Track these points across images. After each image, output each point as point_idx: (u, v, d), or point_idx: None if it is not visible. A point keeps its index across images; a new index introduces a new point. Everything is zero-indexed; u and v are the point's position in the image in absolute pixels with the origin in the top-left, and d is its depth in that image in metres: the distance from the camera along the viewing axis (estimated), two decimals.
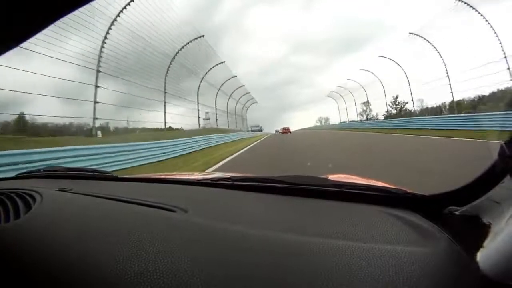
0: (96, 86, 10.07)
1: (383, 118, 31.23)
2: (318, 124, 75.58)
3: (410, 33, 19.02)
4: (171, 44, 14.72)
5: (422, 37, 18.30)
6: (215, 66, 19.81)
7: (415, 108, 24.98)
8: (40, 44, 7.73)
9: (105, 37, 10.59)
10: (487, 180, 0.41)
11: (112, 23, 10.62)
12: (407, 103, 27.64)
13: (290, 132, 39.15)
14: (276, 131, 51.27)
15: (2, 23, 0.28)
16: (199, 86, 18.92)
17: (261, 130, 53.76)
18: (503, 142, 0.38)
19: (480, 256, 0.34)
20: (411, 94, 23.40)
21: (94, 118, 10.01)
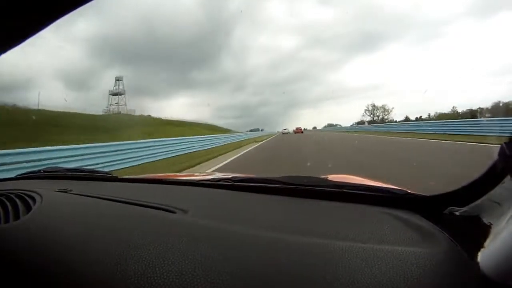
0: None
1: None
2: (365, 119, 44.09)
3: None
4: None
5: None
6: None
7: None
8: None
9: None
10: (488, 181, 0.41)
11: None
12: None
13: (302, 132, 38.79)
14: (284, 132, 40.10)
15: (2, 23, 0.28)
16: None
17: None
18: (503, 142, 0.38)
19: (481, 256, 0.34)
20: None
21: None
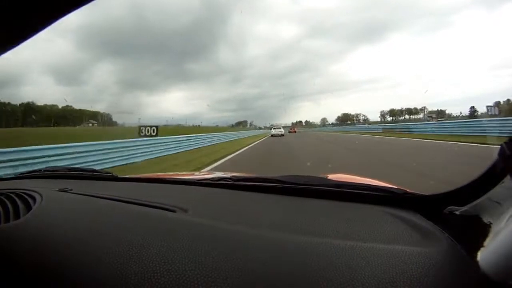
0: None
1: None
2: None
3: None
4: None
5: None
6: None
7: None
8: None
9: None
10: (487, 180, 0.41)
11: None
12: None
13: (295, 131, 36.78)
14: (274, 134, 25.21)
15: (2, 23, 0.28)
16: None
17: None
18: (503, 142, 0.38)
19: (480, 255, 0.34)
20: None
21: None
